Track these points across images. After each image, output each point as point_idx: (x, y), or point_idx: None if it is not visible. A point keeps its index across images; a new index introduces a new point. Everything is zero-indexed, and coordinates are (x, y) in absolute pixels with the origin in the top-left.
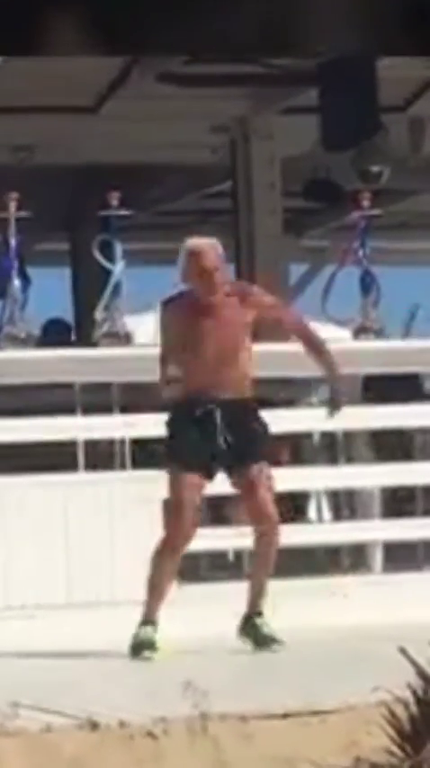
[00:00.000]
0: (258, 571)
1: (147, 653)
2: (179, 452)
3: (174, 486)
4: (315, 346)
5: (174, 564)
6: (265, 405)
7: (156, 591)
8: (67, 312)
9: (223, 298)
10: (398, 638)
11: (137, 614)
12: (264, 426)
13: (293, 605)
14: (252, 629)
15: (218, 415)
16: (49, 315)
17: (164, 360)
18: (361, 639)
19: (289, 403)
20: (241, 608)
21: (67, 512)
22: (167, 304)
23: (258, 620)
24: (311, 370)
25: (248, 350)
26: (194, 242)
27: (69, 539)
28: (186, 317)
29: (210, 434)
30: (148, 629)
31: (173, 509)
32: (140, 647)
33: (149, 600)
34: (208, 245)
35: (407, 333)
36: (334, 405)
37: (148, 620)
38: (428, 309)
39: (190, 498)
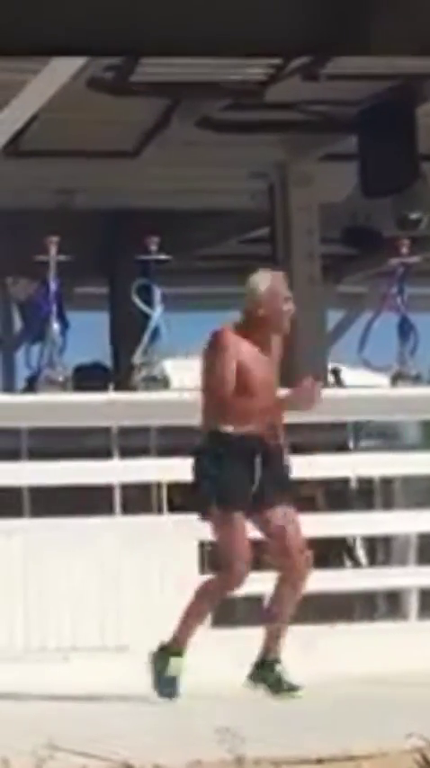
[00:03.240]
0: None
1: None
2: (230, 491)
3: (228, 528)
4: None
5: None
6: (303, 450)
7: (195, 624)
8: (105, 356)
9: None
10: None
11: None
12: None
13: (327, 650)
14: (271, 674)
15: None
16: (88, 358)
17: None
18: (395, 685)
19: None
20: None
21: (101, 554)
22: (229, 332)
23: (278, 667)
24: (349, 415)
25: None
26: (276, 274)
27: (103, 582)
28: (249, 349)
29: (255, 472)
30: (179, 660)
31: (228, 554)
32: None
33: (185, 630)
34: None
35: None
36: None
37: (180, 649)
38: None
39: (245, 540)
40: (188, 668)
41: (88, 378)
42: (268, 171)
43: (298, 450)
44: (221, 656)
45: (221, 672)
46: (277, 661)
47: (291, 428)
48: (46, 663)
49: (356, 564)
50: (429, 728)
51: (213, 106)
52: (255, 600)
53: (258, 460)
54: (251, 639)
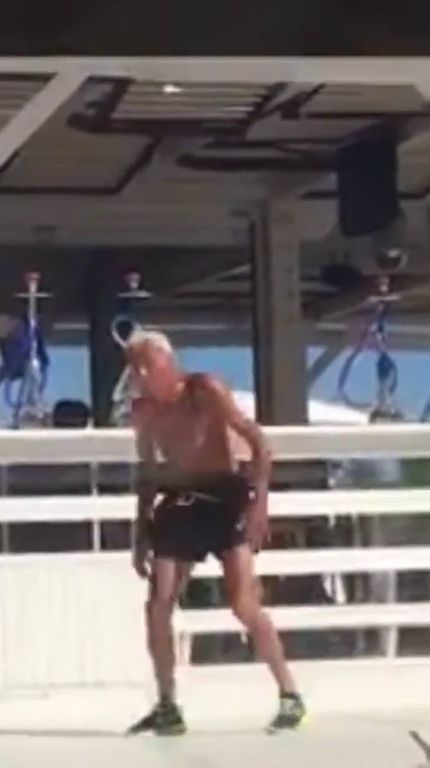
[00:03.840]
0: (261, 657)
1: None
2: (157, 539)
3: (152, 568)
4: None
5: (162, 642)
6: (283, 488)
7: (157, 669)
8: (84, 392)
9: (176, 392)
10: (411, 721)
11: (150, 694)
12: (240, 510)
13: (307, 687)
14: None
15: (192, 503)
16: (66, 395)
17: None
18: (374, 723)
19: (306, 485)
20: (253, 690)
21: (80, 590)
22: (135, 402)
23: (281, 700)
24: (328, 452)
25: (220, 436)
26: (133, 340)
27: (82, 618)
28: (148, 414)
29: (187, 521)
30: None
31: (149, 591)
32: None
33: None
34: (143, 345)
35: (423, 419)
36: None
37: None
38: None
39: (165, 581)
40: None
41: (69, 414)
42: (249, 208)
43: (276, 487)
44: (199, 693)
45: (199, 709)
46: (283, 696)
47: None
48: (24, 699)
49: (328, 601)
50: (407, 765)
51: (194, 144)
52: (233, 637)
53: (191, 509)
54: (229, 677)
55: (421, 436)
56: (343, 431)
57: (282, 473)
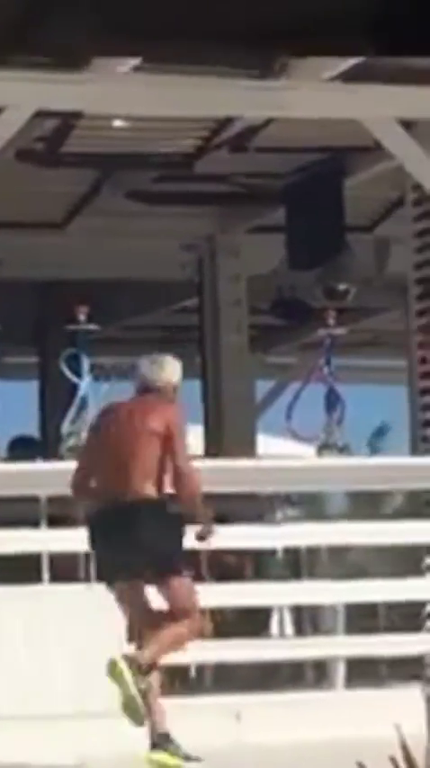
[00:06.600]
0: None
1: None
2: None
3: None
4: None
5: None
6: (229, 521)
7: None
8: (33, 425)
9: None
10: (357, 754)
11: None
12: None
13: (255, 720)
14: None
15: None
16: (15, 428)
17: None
18: (322, 755)
19: (255, 519)
20: (200, 723)
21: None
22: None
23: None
24: (276, 486)
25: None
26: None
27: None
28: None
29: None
30: None
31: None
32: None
33: None
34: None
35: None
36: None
37: None
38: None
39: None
40: None
41: (23, 448)
42: (197, 242)
43: (223, 520)
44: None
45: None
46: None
47: (217, 498)
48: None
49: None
50: None
51: (143, 178)
52: (181, 670)
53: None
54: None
55: (366, 469)
56: (290, 464)
57: (228, 506)
